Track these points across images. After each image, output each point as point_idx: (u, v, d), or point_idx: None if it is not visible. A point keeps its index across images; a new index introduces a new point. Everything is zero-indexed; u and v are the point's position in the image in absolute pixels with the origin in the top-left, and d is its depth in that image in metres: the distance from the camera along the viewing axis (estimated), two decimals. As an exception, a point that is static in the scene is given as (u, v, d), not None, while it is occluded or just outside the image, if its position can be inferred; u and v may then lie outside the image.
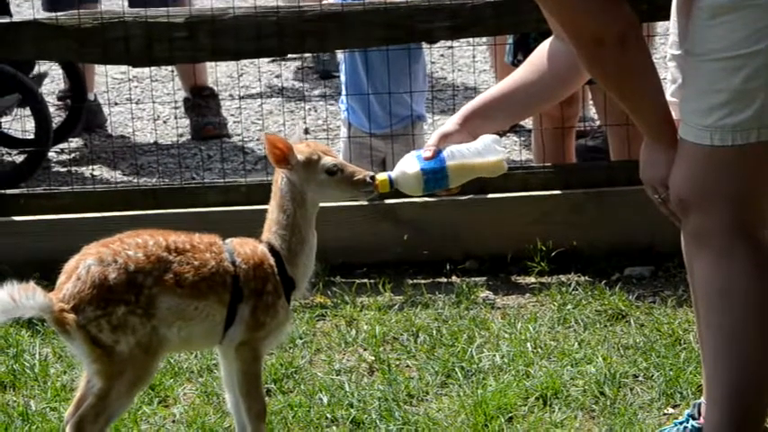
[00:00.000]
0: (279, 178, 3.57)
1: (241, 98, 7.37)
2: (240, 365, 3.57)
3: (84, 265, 3.39)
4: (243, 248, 3.55)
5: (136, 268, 3.40)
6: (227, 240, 3.58)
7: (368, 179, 3.56)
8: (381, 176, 3.59)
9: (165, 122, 7.48)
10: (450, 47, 6.97)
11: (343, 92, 5.95)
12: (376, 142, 5.76)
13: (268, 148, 3.51)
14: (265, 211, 3.62)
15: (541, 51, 3.69)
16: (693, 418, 3.79)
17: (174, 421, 4.14)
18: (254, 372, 3.58)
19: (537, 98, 3.79)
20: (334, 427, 4.04)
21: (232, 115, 7.40)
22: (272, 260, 3.55)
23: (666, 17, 3.64)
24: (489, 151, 3.59)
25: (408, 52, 5.69)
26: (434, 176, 3.55)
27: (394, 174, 3.59)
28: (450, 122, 3.64)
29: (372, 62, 5.73)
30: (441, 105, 7.07)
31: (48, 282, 3.67)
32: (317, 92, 7.83)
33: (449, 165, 3.55)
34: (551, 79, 3.69)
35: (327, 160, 3.55)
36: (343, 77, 5.96)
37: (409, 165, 3.56)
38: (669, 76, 3.63)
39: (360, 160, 5.38)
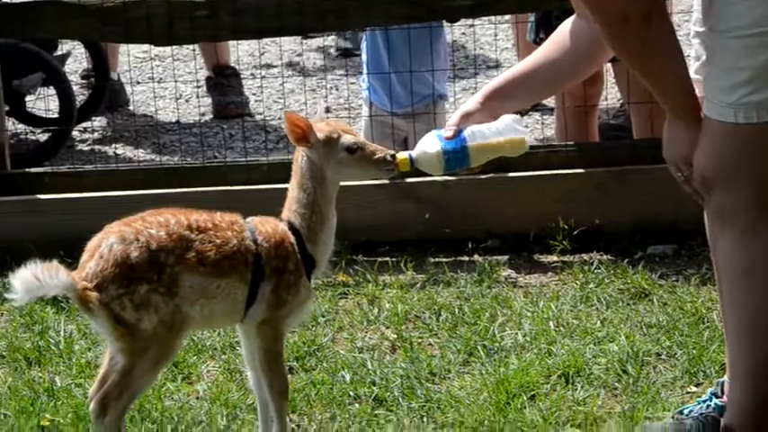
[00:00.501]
0: (299, 156, 3.56)
1: (262, 77, 7.32)
2: (262, 343, 3.56)
3: (106, 244, 3.40)
4: (264, 227, 3.54)
5: (158, 247, 3.40)
6: (249, 219, 3.57)
7: (388, 158, 3.54)
8: (402, 155, 3.57)
9: (187, 101, 7.50)
10: (472, 25, 6.93)
11: (365, 71, 5.93)
12: (398, 121, 5.76)
13: (288, 126, 3.50)
14: (286, 189, 3.61)
15: (564, 30, 3.67)
16: (716, 397, 3.79)
17: (197, 398, 4.16)
18: (276, 350, 3.57)
19: (559, 77, 3.77)
20: (357, 405, 4.05)
21: (254, 94, 7.38)
22: (292, 238, 3.54)
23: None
24: (510, 130, 3.58)
25: (430, 30, 5.67)
26: (455, 156, 3.53)
27: (415, 153, 3.57)
28: (472, 102, 3.62)
29: (393, 41, 5.73)
30: (462, 84, 7.05)
31: (71, 260, 3.69)
32: (338, 71, 7.80)
33: (470, 144, 3.53)
34: (574, 57, 3.66)
35: (347, 138, 3.54)
36: (364, 56, 5.96)
37: (430, 144, 3.54)
38: (693, 53, 3.61)
39: (382, 139, 5.37)
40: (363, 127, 5.91)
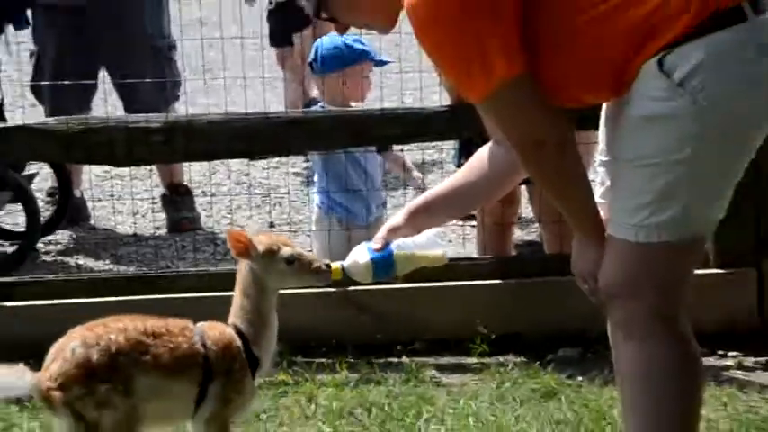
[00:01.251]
0: (242, 267, 3.58)
1: (212, 195, 7.37)
2: None
3: (69, 347, 3.37)
4: (212, 332, 3.53)
5: (117, 350, 3.38)
6: (198, 324, 3.56)
7: (323, 267, 3.56)
8: (335, 265, 3.59)
9: (143, 216, 7.47)
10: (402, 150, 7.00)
11: (319, 188, 5.95)
12: (356, 233, 5.73)
13: (230, 242, 3.53)
14: (232, 296, 3.61)
15: (481, 154, 3.71)
16: (619, 487, 3.78)
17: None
18: None
19: (476, 197, 3.82)
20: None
21: (204, 210, 7.37)
22: (238, 341, 3.53)
23: (593, 127, 3.65)
24: (432, 244, 3.62)
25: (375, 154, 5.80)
26: (383, 265, 3.56)
27: (346, 263, 3.58)
28: (398, 217, 3.65)
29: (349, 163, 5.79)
30: (393, 202, 7.08)
31: (38, 363, 3.63)
32: (282, 189, 7.80)
33: (396, 255, 3.56)
34: (489, 179, 3.70)
35: (286, 250, 3.55)
36: (317, 178, 5.98)
37: (360, 255, 3.56)
38: (597, 179, 3.65)
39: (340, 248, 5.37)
40: (319, 239, 5.87)
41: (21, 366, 3.33)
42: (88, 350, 3.35)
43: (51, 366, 3.37)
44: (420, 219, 3.64)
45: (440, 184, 3.78)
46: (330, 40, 5.79)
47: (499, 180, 3.72)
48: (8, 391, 3.34)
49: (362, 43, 5.82)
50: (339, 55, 5.81)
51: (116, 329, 3.41)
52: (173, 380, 3.44)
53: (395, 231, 3.61)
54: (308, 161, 7.97)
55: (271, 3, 9.09)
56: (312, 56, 5.92)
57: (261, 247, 3.54)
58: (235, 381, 3.51)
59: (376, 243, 3.58)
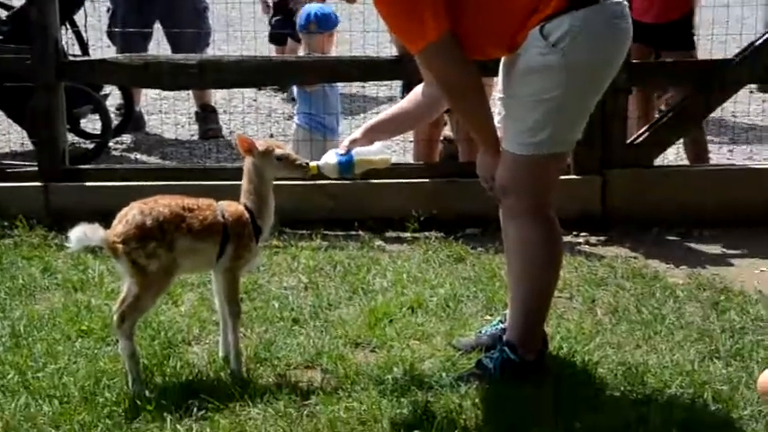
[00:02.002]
0: (248, 162, 3.47)
1: (230, 113, 7.19)
2: (225, 283, 3.45)
3: (130, 214, 3.30)
4: (229, 207, 3.44)
5: (163, 219, 3.29)
6: (220, 202, 3.45)
7: (303, 164, 3.47)
8: (312, 164, 3.50)
9: (182, 126, 7.30)
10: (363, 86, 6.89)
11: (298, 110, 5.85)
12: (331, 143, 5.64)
13: (239, 143, 3.45)
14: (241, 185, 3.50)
15: (416, 91, 3.65)
16: (501, 323, 3.75)
17: (181, 315, 4.01)
18: (234, 287, 3.46)
19: (412, 121, 3.76)
20: (281, 323, 3.93)
21: (224, 123, 7.20)
22: (247, 215, 3.43)
23: (495, 74, 3.56)
24: (381, 152, 3.55)
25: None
26: (346, 166, 3.48)
27: (320, 162, 3.50)
28: (357, 133, 3.57)
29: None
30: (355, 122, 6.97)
31: (107, 225, 3.56)
32: (279, 110, 7.64)
33: (355, 159, 3.48)
34: (421, 108, 3.63)
35: (278, 151, 3.46)
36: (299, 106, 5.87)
37: (330, 157, 3.49)
38: (496, 109, 3.56)
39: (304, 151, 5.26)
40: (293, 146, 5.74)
41: (96, 225, 3.27)
42: (144, 217, 3.28)
43: (117, 227, 3.30)
44: (373, 134, 3.56)
45: (387, 110, 3.70)
46: (319, 8, 5.77)
47: (428, 108, 3.64)
48: (87, 242, 3.26)
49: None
50: (329, 20, 5.83)
51: (162, 204, 3.33)
52: (201, 241, 3.36)
53: (355, 142, 3.53)
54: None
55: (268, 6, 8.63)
56: (305, 20, 5.80)
57: (260, 148, 3.44)
58: (244, 243, 3.42)
59: (341, 149, 3.49)
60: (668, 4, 5.60)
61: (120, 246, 3.26)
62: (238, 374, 3.45)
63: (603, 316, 4.08)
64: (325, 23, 5.80)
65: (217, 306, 3.58)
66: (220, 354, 3.58)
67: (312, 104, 5.69)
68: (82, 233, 3.22)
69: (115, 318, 3.34)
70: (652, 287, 4.35)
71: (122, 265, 3.32)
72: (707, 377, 3.49)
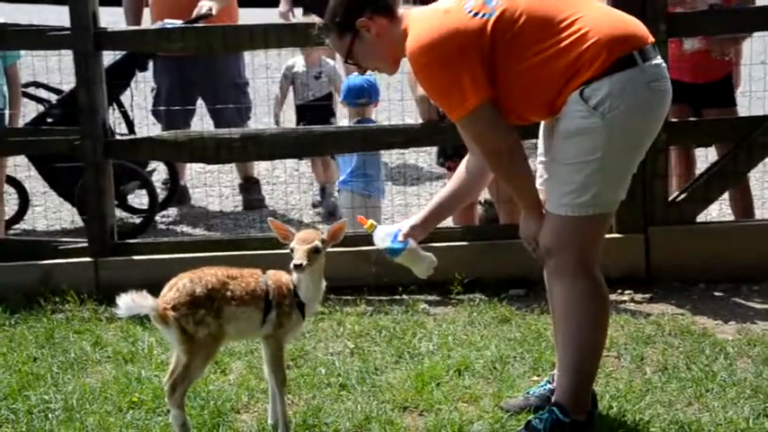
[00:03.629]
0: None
1: (273, 184, 7.28)
2: (270, 350, 3.47)
3: (181, 282, 3.36)
4: (274, 276, 3.48)
5: (211, 287, 3.35)
6: (268, 271, 3.50)
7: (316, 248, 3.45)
8: (371, 222, 3.56)
9: (226, 198, 7.38)
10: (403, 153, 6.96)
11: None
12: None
13: (275, 230, 3.50)
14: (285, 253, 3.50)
15: (462, 167, 3.67)
16: (549, 383, 3.73)
17: (229, 384, 4.03)
18: (279, 354, 3.48)
19: (465, 195, 3.75)
20: (329, 389, 3.93)
21: (267, 194, 7.30)
22: (290, 286, 3.46)
23: (535, 137, 3.59)
24: (428, 262, 3.60)
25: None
26: (394, 251, 3.54)
27: (377, 234, 3.54)
28: (416, 221, 3.59)
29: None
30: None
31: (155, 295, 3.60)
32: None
33: (407, 249, 3.52)
34: (471, 182, 3.65)
35: (317, 243, 3.44)
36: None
37: (385, 235, 3.52)
38: (538, 172, 3.60)
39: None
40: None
41: (144, 292, 3.32)
42: (193, 285, 3.34)
43: (167, 294, 3.36)
44: (430, 225, 3.63)
45: (439, 194, 3.73)
46: (365, 80, 5.69)
47: (476, 181, 3.66)
48: (136, 309, 3.30)
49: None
50: (377, 91, 5.83)
51: (210, 274, 3.39)
52: (244, 306, 3.39)
53: (415, 230, 3.56)
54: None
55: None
56: (357, 93, 5.77)
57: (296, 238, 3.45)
58: (284, 311, 3.44)
59: (401, 236, 3.52)
60: (709, 64, 5.62)
61: (169, 313, 3.31)
62: None
63: (653, 374, 4.03)
64: (375, 94, 5.84)
65: (265, 374, 3.60)
66: (270, 421, 3.59)
67: (353, 165, 5.70)
68: (130, 300, 3.27)
69: (166, 388, 3.38)
70: (701, 344, 4.30)
71: (171, 333, 3.36)
72: (762, 434, 3.42)
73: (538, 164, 3.61)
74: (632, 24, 3.31)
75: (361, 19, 3.37)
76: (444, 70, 3.20)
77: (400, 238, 3.51)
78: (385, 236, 3.53)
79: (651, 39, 3.31)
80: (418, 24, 3.28)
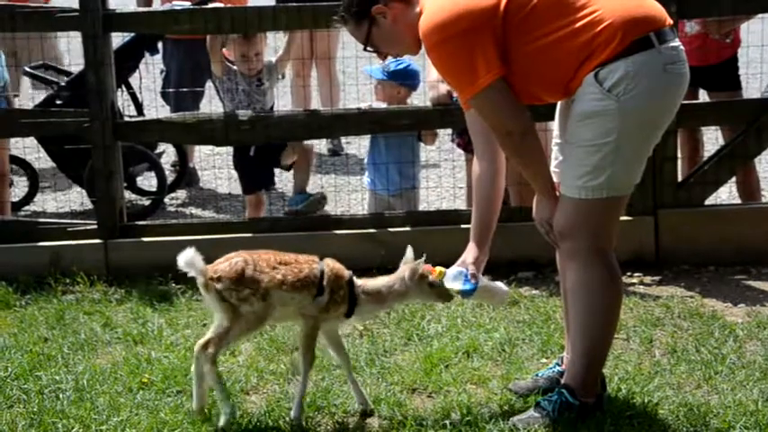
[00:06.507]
0: (405, 274, 3.52)
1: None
2: (305, 328, 3.48)
3: (236, 259, 3.38)
4: (333, 265, 3.49)
5: (260, 270, 3.37)
6: (326, 259, 3.50)
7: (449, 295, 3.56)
8: (441, 269, 3.53)
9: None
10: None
11: (368, 168, 5.61)
12: (391, 200, 5.49)
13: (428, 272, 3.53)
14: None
15: (474, 170, 3.57)
16: (558, 366, 3.71)
17: (238, 366, 4.03)
18: (312, 335, 3.49)
19: (495, 194, 3.58)
20: (338, 370, 3.91)
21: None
22: (347, 279, 3.48)
23: (549, 119, 3.58)
24: (501, 290, 3.62)
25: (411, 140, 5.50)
26: (467, 293, 3.53)
27: (447, 278, 3.51)
28: (473, 249, 3.55)
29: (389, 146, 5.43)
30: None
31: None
32: (330, 162, 7.70)
33: (478, 289, 3.51)
34: (492, 176, 3.52)
35: (431, 278, 3.50)
36: (366, 159, 5.66)
37: (457, 277, 3.50)
38: (553, 154, 3.57)
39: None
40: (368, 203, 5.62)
41: (201, 256, 3.34)
42: (246, 265, 3.36)
43: (218, 266, 3.40)
44: (485, 241, 3.58)
45: (473, 210, 3.63)
46: (407, 63, 5.38)
47: (494, 170, 3.54)
48: (190, 269, 3.33)
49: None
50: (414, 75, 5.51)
51: (264, 257, 3.41)
52: (295, 293, 3.40)
53: (478, 260, 3.54)
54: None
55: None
56: (409, 74, 5.46)
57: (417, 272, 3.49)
58: (335, 300, 3.45)
59: (471, 276, 3.51)
60: (713, 46, 5.58)
61: (214, 283, 3.34)
62: (297, 422, 3.45)
63: (662, 356, 4.01)
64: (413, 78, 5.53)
65: (335, 359, 3.66)
66: (357, 401, 3.57)
67: (378, 155, 5.45)
68: (191, 258, 3.32)
69: (197, 345, 3.41)
70: (710, 326, 4.28)
71: (212, 301, 3.39)
72: (771, 416, 3.41)
73: (553, 146, 3.58)
74: (649, 6, 3.26)
75: (376, 6, 3.34)
76: (456, 49, 3.18)
77: (470, 278, 3.51)
78: (455, 279, 3.52)
79: (669, 21, 3.26)
80: (432, 4, 3.26)
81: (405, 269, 3.51)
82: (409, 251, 3.57)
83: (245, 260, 3.38)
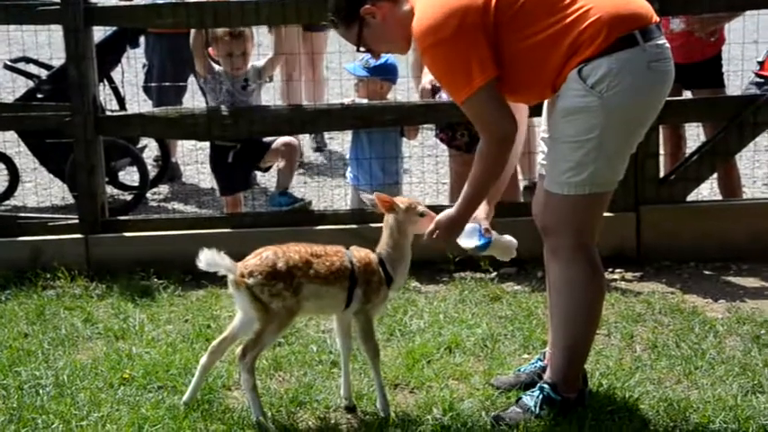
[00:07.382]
0: (389, 218, 3.50)
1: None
2: (359, 324, 3.47)
3: (266, 253, 3.34)
4: (358, 254, 3.47)
5: (293, 263, 3.34)
6: (350, 248, 3.49)
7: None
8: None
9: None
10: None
11: (351, 165, 5.55)
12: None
13: (379, 202, 3.47)
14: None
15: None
16: (540, 361, 3.73)
17: (221, 361, 3.92)
18: (368, 328, 3.48)
19: (514, 157, 3.58)
20: (320, 366, 3.92)
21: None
22: (377, 262, 3.47)
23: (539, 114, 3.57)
24: (511, 246, 3.62)
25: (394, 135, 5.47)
26: (482, 247, 3.54)
27: (461, 238, 3.51)
28: (484, 206, 3.53)
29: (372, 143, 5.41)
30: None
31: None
32: (313, 158, 7.69)
33: (493, 242, 3.54)
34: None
35: (420, 208, 3.50)
36: (348, 155, 5.62)
37: (470, 234, 3.52)
38: (539, 148, 3.57)
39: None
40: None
41: (223, 253, 3.30)
42: (276, 258, 3.33)
43: (249, 261, 3.36)
44: (494, 200, 3.59)
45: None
46: (385, 57, 5.27)
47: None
48: (215, 267, 3.29)
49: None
50: (394, 70, 5.48)
51: (294, 250, 3.38)
52: (329, 285, 3.39)
53: (487, 216, 3.56)
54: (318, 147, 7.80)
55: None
56: (376, 68, 5.39)
57: (402, 205, 3.49)
58: (373, 288, 3.45)
59: (485, 231, 3.52)
60: (697, 44, 5.60)
61: (246, 279, 3.30)
62: (385, 412, 3.46)
63: (642, 352, 4.03)
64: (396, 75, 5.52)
65: (338, 346, 3.62)
66: (342, 394, 3.57)
67: (360, 150, 5.42)
68: (212, 258, 3.27)
69: (237, 351, 3.40)
70: (691, 322, 4.31)
71: (242, 298, 3.35)
72: (751, 412, 3.43)
73: (540, 139, 3.59)
74: (637, 3, 3.27)
75: (364, 7, 3.33)
76: (450, 50, 3.17)
77: (484, 233, 3.52)
78: (470, 235, 3.52)
79: (656, 18, 3.27)
80: (423, 4, 3.25)
81: (389, 216, 3.50)
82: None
83: (276, 253, 3.35)
